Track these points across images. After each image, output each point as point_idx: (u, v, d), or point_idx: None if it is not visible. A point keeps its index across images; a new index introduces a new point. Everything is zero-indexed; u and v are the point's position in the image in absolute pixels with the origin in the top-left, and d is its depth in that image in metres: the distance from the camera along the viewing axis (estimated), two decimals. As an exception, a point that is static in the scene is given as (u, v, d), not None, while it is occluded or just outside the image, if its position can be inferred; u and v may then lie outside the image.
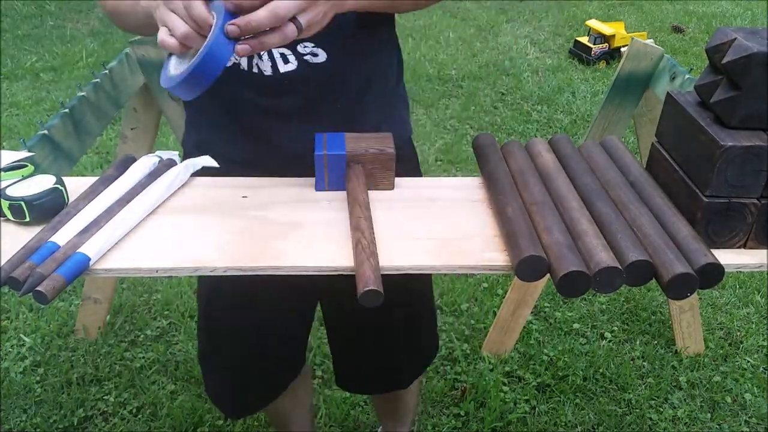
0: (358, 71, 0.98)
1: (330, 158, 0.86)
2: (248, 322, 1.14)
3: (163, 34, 0.73)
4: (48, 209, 0.81)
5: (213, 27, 0.71)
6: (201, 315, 1.18)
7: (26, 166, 0.91)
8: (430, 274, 1.28)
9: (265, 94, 0.95)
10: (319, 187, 0.88)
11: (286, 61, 0.92)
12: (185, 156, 1.04)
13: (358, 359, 1.28)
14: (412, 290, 1.18)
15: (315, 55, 0.92)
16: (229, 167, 0.95)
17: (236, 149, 1.00)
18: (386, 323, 1.18)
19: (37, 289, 0.67)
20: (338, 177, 0.88)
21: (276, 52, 0.91)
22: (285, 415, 1.43)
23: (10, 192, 0.81)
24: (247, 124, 0.98)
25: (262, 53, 0.91)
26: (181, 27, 0.71)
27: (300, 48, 0.91)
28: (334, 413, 1.74)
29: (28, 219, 0.80)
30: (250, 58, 0.92)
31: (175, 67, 0.77)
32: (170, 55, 0.79)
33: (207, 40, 0.70)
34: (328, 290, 1.15)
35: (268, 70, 0.92)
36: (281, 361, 1.23)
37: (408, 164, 1.10)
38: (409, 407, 1.53)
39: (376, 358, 1.26)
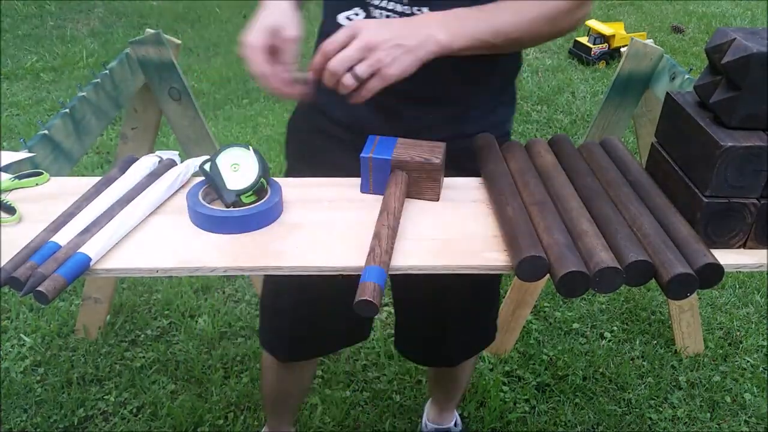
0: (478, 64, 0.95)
1: (375, 161, 0.87)
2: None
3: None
4: None
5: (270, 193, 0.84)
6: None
7: (41, 173, 0.90)
8: None
9: None
10: (363, 189, 0.90)
11: None
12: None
13: (418, 330, 1.34)
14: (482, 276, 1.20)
15: None
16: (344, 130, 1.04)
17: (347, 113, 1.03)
18: (451, 302, 1.23)
19: (38, 289, 0.68)
20: (382, 181, 0.88)
21: None
22: (285, 392, 1.47)
23: None
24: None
25: None
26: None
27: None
28: (334, 413, 1.74)
29: None
30: None
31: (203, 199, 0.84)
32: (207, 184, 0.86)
33: (267, 198, 0.83)
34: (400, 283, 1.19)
35: None
36: (344, 318, 1.22)
37: None
38: (461, 384, 1.59)
39: (432, 333, 1.31)
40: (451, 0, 0.87)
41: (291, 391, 1.47)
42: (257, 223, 0.81)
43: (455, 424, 1.70)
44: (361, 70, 0.80)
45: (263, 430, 1.61)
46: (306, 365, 1.38)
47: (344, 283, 1.14)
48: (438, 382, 1.63)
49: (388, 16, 0.93)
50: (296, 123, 1.16)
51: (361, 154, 0.87)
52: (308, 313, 1.21)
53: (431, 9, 0.90)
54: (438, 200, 0.88)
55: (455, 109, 1.02)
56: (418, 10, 0.91)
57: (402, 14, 0.92)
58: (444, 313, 1.26)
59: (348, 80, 0.80)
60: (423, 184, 0.87)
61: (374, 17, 0.94)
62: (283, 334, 1.27)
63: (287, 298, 1.21)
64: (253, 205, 0.82)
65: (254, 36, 0.87)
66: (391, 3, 0.93)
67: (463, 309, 1.26)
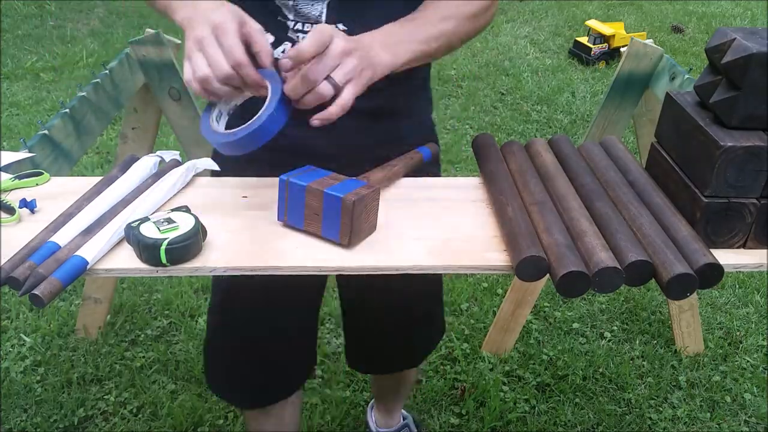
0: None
1: (291, 186, 0.78)
2: (265, 304, 1.12)
3: (200, 74, 0.75)
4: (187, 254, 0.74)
5: (270, 92, 0.75)
6: (218, 296, 1.16)
7: (41, 173, 0.90)
8: None
9: None
10: (279, 217, 0.81)
11: None
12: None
13: (376, 340, 1.33)
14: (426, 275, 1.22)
15: None
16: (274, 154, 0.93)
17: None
18: (402, 306, 1.23)
19: (34, 292, 0.67)
20: (299, 212, 0.79)
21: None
22: None
23: (146, 232, 0.74)
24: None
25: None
26: (224, 67, 0.74)
27: None
28: (334, 413, 1.75)
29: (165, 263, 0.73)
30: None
31: (218, 120, 0.79)
32: (210, 105, 0.80)
33: (266, 104, 0.73)
34: (347, 276, 1.14)
35: None
36: (294, 351, 1.22)
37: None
38: (410, 383, 1.59)
39: (393, 339, 1.31)
40: (374, 17, 0.87)
41: None
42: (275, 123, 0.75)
43: (406, 422, 1.68)
44: (339, 77, 0.75)
45: None
46: (282, 411, 1.28)
47: (291, 312, 1.15)
48: (389, 388, 1.60)
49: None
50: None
51: (281, 176, 0.79)
52: (259, 344, 1.16)
53: (347, 26, 0.90)
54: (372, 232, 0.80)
55: (392, 118, 1.03)
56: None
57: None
58: (402, 315, 1.26)
59: (325, 88, 0.75)
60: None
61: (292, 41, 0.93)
62: (234, 377, 1.21)
63: (239, 333, 1.16)
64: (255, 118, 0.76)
65: (223, 17, 0.75)
66: (307, 26, 0.92)
67: (410, 314, 1.26)
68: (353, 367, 1.44)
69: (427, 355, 1.42)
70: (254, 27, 0.77)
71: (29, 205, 0.82)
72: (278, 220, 0.81)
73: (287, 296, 1.11)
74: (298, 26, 0.93)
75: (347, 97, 0.76)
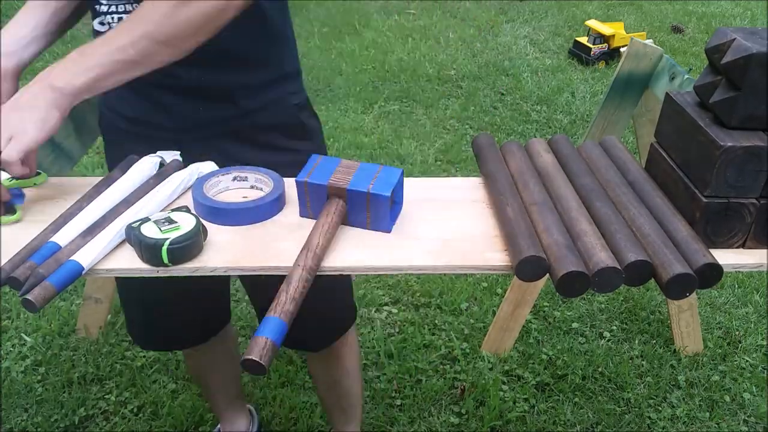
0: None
1: (311, 186, 0.81)
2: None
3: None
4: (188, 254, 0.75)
5: None
6: None
7: (39, 173, 0.90)
8: None
9: None
10: (302, 214, 0.84)
11: None
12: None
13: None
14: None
15: None
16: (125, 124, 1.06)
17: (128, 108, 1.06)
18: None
19: (27, 297, 0.67)
20: (320, 206, 0.82)
21: None
22: (207, 378, 1.53)
23: (147, 232, 0.74)
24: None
25: None
26: None
27: None
28: (334, 412, 1.75)
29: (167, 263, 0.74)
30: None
31: None
32: None
33: None
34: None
35: None
36: (202, 308, 1.31)
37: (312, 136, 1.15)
38: (352, 396, 1.52)
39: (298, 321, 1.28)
40: None
41: (207, 375, 1.53)
42: (260, 216, 0.81)
43: None
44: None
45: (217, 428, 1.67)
46: (215, 344, 1.40)
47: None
48: (331, 401, 1.54)
49: (120, 19, 0.94)
50: (102, 125, 1.16)
51: (297, 178, 0.81)
52: (158, 303, 1.24)
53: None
54: (388, 231, 0.81)
55: (229, 97, 1.03)
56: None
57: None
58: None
59: None
60: (362, 213, 0.81)
61: (109, 24, 0.96)
62: (138, 324, 1.32)
63: (137, 289, 1.24)
64: (257, 198, 0.83)
65: None
66: (121, 5, 0.94)
67: (320, 294, 1.23)
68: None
69: (332, 341, 1.36)
70: None
71: (15, 200, 0.83)
72: (301, 216, 0.84)
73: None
74: (112, 8, 0.94)
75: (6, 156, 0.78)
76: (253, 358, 0.62)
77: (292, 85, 1.11)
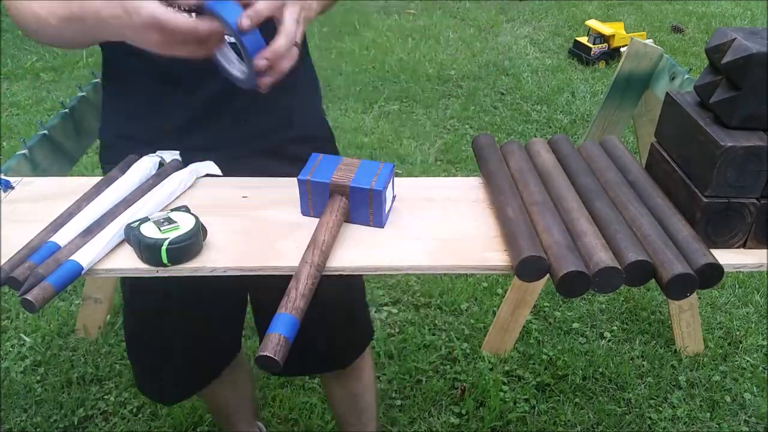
0: None
1: (313, 185, 0.81)
2: (174, 306, 1.13)
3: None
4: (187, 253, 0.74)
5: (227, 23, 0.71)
6: (126, 302, 1.19)
7: None
8: None
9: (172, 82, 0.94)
10: (303, 212, 0.84)
11: None
12: (104, 145, 1.07)
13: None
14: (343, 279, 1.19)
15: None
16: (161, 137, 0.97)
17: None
18: (320, 309, 1.18)
19: (26, 297, 0.67)
20: (322, 204, 0.82)
21: None
22: (223, 405, 1.46)
23: (146, 232, 0.74)
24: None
25: None
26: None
27: None
28: (334, 413, 1.74)
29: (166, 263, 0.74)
30: None
31: (234, 67, 0.78)
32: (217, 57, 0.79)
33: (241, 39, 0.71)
34: (255, 283, 1.12)
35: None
36: (210, 347, 1.25)
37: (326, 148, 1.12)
38: (366, 403, 1.48)
39: (312, 341, 1.21)
40: None
41: (229, 406, 1.46)
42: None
43: None
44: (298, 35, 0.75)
45: None
46: (231, 374, 1.33)
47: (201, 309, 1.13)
48: (345, 409, 1.50)
49: None
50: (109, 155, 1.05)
51: (299, 177, 0.82)
52: (173, 343, 1.18)
53: None
54: (382, 227, 0.82)
55: (277, 113, 1.02)
56: None
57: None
58: (319, 319, 1.18)
59: (295, 53, 0.75)
60: (364, 210, 0.81)
61: None
62: (155, 377, 1.24)
63: (150, 336, 1.18)
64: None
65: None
66: None
67: (326, 314, 1.17)
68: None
69: (352, 360, 1.32)
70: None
71: (3, 184, 0.83)
72: (302, 214, 0.84)
73: (200, 293, 1.09)
74: None
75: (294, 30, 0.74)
76: (268, 355, 0.63)
77: (319, 95, 1.12)
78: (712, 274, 0.72)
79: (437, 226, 0.83)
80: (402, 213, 0.85)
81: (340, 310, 1.24)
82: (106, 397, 1.78)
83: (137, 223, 0.75)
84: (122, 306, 1.23)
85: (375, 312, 2.11)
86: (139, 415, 1.74)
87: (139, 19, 0.70)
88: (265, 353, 0.63)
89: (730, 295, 2.22)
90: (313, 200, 0.82)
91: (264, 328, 1.28)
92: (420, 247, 0.78)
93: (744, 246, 0.79)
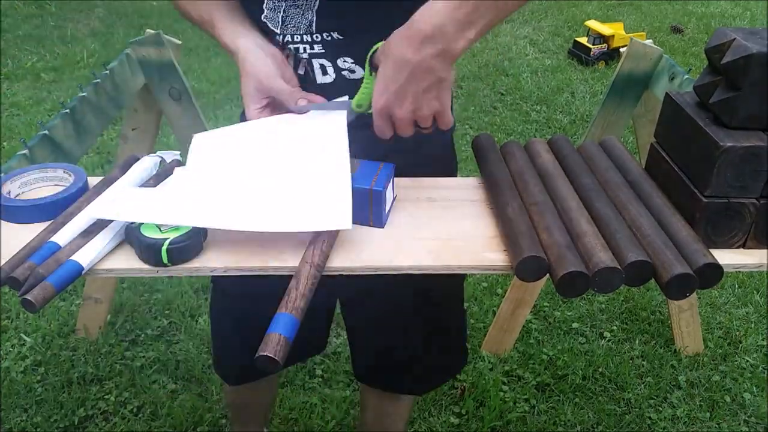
0: None
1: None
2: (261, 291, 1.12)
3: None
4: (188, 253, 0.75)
5: None
6: (212, 280, 1.19)
7: None
8: (463, 279, 1.27)
9: None
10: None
11: (324, 72, 0.93)
12: None
13: (377, 355, 1.24)
14: (441, 293, 1.15)
15: (352, 71, 0.93)
16: None
17: None
18: (408, 324, 1.16)
19: (26, 297, 0.67)
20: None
21: (316, 63, 0.93)
22: (247, 403, 1.45)
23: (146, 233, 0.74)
24: None
25: (301, 64, 0.94)
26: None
27: (340, 62, 0.92)
28: (334, 413, 1.75)
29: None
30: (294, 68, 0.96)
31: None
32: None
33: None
34: (347, 287, 1.11)
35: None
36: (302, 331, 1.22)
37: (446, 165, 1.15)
38: (397, 425, 1.45)
39: (395, 356, 1.21)
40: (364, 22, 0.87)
41: (250, 403, 1.46)
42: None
43: None
44: (399, 114, 0.79)
45: None
46: (261, 383, 1.32)
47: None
48: (377, 424, 1.46)
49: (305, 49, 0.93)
50: None
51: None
52: (251, 337, 1.17)
53: (342, 33, 0.90)
54: (382, 227, 0.82)
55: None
56: (328, 35, 0.90)
57: (313, 43, 0.92)
58: (402, 337, 1.18)
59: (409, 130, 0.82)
60: (364, 210, 0.81)
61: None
62: (229, 361, 1.26)
63: (231, 324, 1.19)
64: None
65: (252, 110, 0.90)
66: (296, 37, 0.92)
67: (415, 327, 1.18)
68: (362, 381, 1.36)
69: (436, 386, 1.26)
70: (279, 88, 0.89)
71: None
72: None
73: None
74: (287, 39, 0.92)
75: (447, 118, 0.81)
76: (268, 354, 0.63)
77: None
78: (712, 274, 0.72)
79: (437, 226, 0.83)
80: (402, 213, 0.85)
81: (437, 329, 1.19)
82: (106, 396, 1.78)
83: (137, 223, 0.75)
84: (212, 287, 1.24)
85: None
86: (139, 415, 1.74)
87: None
88: (265, 353, 0.63)
89: (730, 295, 2.23)
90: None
91: (353, 332, 1.26)
92: (420, 247, 0.78)
93: (744, 246, 0.79)
